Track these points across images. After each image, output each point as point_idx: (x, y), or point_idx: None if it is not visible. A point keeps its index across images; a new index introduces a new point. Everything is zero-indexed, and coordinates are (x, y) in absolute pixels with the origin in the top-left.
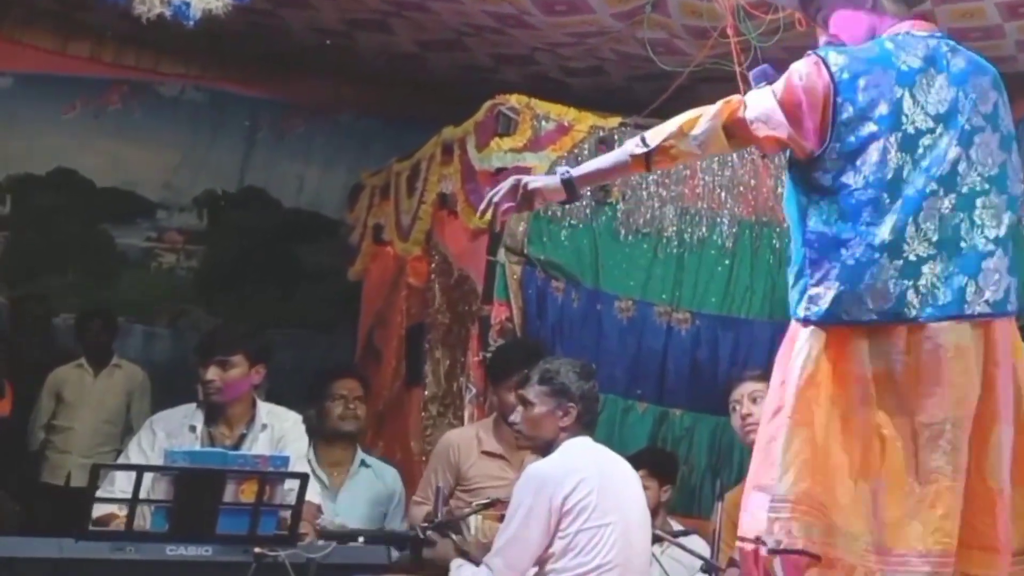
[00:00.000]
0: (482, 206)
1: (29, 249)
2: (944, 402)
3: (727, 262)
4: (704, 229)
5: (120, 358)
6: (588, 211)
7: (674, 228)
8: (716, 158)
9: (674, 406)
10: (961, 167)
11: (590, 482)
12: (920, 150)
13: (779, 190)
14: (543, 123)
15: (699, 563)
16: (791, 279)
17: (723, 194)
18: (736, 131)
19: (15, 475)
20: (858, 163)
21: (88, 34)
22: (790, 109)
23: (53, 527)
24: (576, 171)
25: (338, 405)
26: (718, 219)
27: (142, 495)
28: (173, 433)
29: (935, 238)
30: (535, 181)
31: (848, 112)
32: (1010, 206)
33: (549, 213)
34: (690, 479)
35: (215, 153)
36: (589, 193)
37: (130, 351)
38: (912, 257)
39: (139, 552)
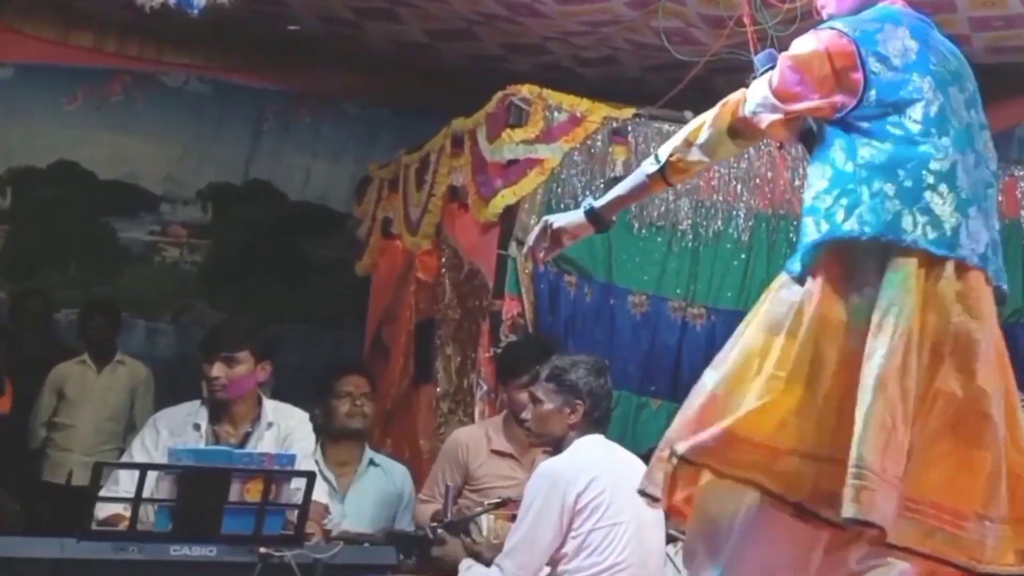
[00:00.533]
0: (525, 252)
1: (30, 243)
2: (991, 367)
3: (743, 256)
4: (720, 222)
5: (123, 354)
6: None
7: (689, 221)
8: None
9: None
10: (973, 129)
11: (603, 480)
12: (948, 94)
13: (796, 182)
14: (555, 114)
15: None
16: (823, 200)
17: (739, 186)
18: (742, 130)
19: (15, 474)
20: (901, 106)
21: (90, 24)
22: (811, 75)
23: (54, 527)
24: (599, 202)
25: (344, 403)
26: (734, 212)
27: (145, 494)
28: (177, 431)
29: (967, 184)
30: (559, 220)
31: (876, 62)
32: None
33: (562, 206)
34: None
35: (220, 145)
36: (603, 186)
37: (133, 347)
38: (964, 195)
39: (142, 552)
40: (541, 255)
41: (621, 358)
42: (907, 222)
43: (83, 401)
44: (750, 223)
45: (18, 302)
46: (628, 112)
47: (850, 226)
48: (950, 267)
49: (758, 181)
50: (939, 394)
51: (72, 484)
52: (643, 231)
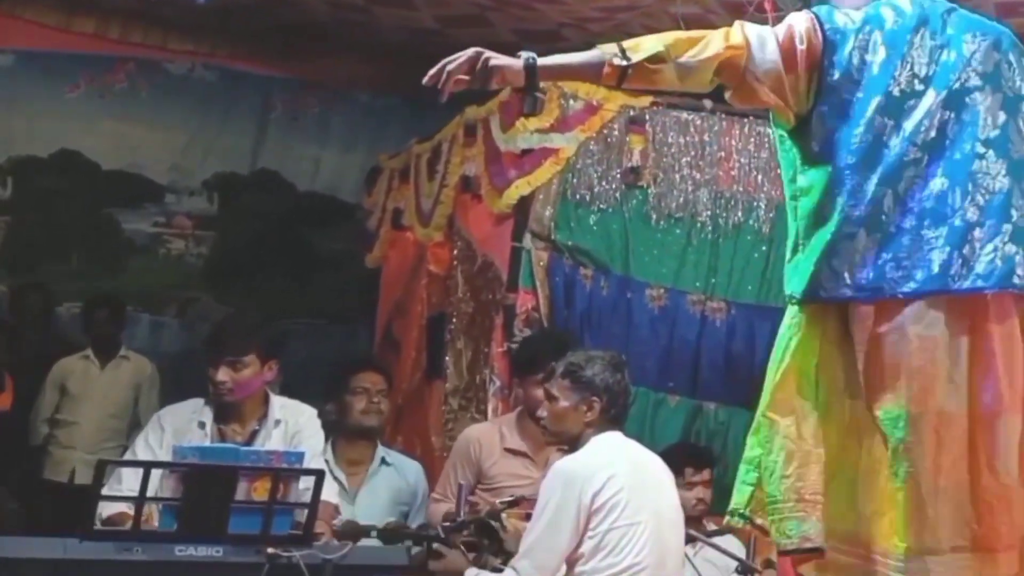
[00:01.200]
0: (431, 71)
1: (31, 235)
2: (904, 393)
3: (764, 248)
4: (740, 213)
5: (127, 349)
6: (618, 195)
7: (708, 212)
8: (753, 139)
9: (708, 399)
10: (951, 130)
11: (620, 478)
12: (904, 113)
13: None
14: (571, 102)
15: (734, 564)
16: (787, 255)
17: (760, 177)
18: (729, 72)
19: (16, 472)
20: (842, 128)
21: (93, 9)
22: (787, 59)
23: (56, 526)
24: (543, 60)
25: (360, 399)
26: (754, 203)
27: (149, 493)
28: (182, 429)
29: (917, 208)
30: (496, 59)
31: (836, 75)
32: (1012, 171)
33: (577, 197)
34: (724, 477)
35: (226, 134)
36: (619, 176)
37: (137, 342)
38: (892, 229)
39: (146, 553)
40: (455, 80)
41: (638, 353)
42: (826, 276)
43: (86, 397)
44: (771, 214)
45: (19, 296)
46: (646, 100)
47: (788, 289)
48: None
49: (779, 171)
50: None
51: (75, 483)
52: (661, 222)
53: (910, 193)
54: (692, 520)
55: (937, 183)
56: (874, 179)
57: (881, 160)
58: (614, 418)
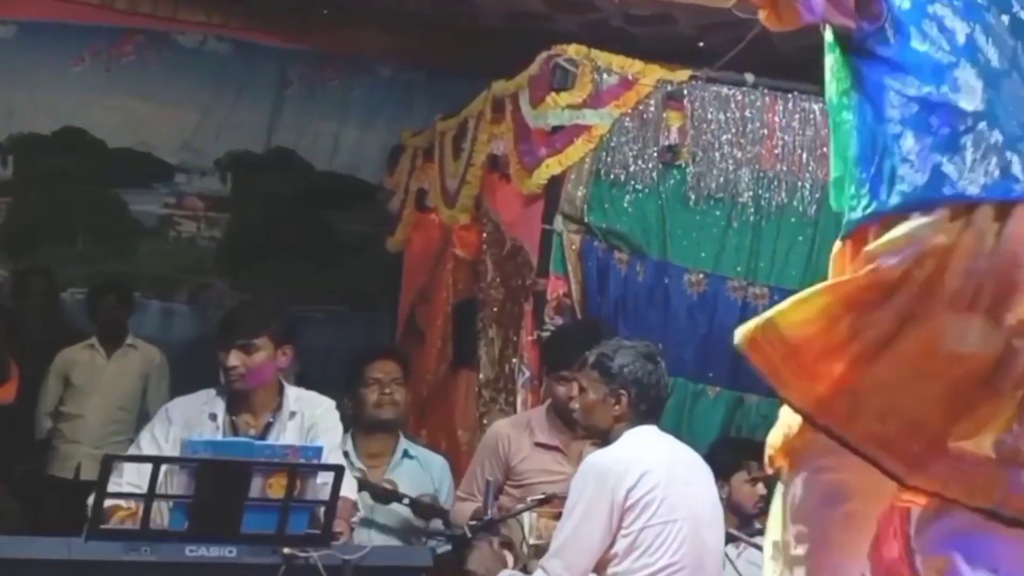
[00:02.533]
0: None
1: (33, 217)
2: None
3: (809, 231)
4: (783, 194)
5: (135, 337)
6: (655, 175)
7: (750, 193)
8: (798, 116)
9: (749, 391)
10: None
11: (655, 475)
12: (985, 22)
13: None
14: (604, 76)
15: None
16: (854, 172)
17: (804, 155)
18: None
19: (19, 468)
20: (924, 31)
21: None
22: None
23: (61, 525)
24: None
25: (373, 391)
26: (799, 183)
27: (159, 489)
28: (191, 421)
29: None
30: None
31: None
32: None
33: (611, 177)
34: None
35: (240, 110)
36: (656, 154)
37: (146, 329)
38: (1014, 129)
39: (155, 553)
40: None
41: (676, 342)
42: (950, 174)
43: (92, 389)
44: (817, 195)
45: (21, 281)
46: (684, 74)
47: (895, 198)
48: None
49: (825, 150)
50: None
51: (80, 479)
52: (700, 204)
53: (1008, 96)
54: (748, 519)
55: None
56: (977, 77)
57: (976, 60)
58: (646, 412)
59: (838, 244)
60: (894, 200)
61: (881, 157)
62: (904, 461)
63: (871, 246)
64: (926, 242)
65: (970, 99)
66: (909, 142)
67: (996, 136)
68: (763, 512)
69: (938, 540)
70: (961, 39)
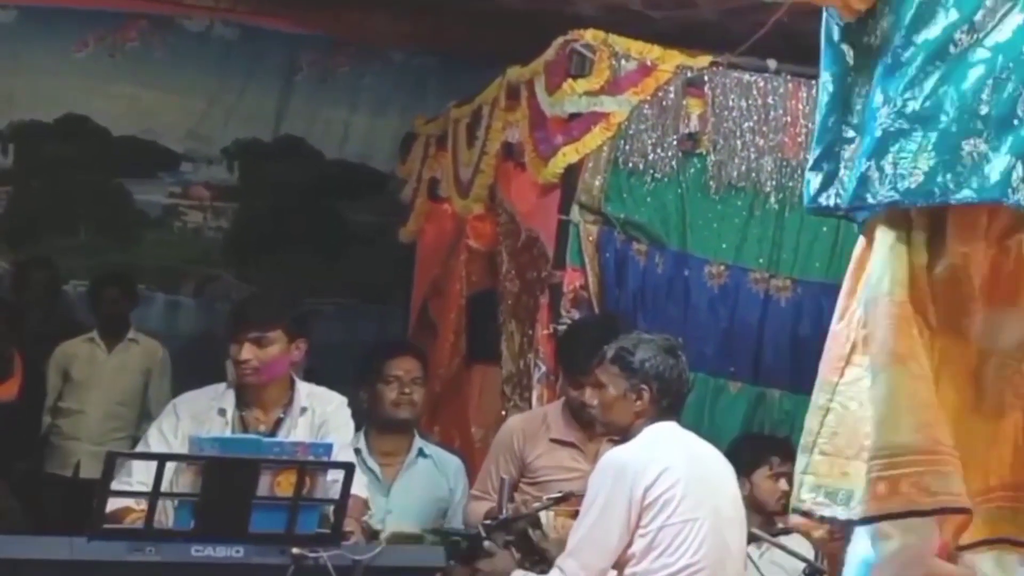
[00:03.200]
0: None
1: (34, 207)
2: None
3: (833, 222)
4: None
5: (137, 331)
6: (674, 163)
7: (773, 182)
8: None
9: (772, 386)
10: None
11: (675, 472)
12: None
13: None
14: (623, 62)
15: (802, 566)
16: (856, 162)
17: None
18: None
19: (21, 465)
20: (913, 18)
21: None
22: None
23: (59, 524)
24: None
25: (391, 389)
26: None
27: (164, 488)
28: (199, 417)
29: (993, 112)
30: None
31: None
32: None
33: (630, 165)
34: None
35: (248, 98)
36: (675, 142)
37: (150, 323)
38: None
39: (160, 553)
40: None
41: (696, 336)
42: (944, 173)
43: (91, 384)
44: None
45: (22, 273)
46: (704, 60)
47: (886, 191)
48: None
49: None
50: None
51: (79, 476)
52: (721, 193)
53: (987, 95)
54: (772, 515)
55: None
56: (965, 73)
57: (965, 56)
58: (668, 407)
59: (861, 241)
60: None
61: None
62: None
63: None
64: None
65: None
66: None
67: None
68: (785, 509)
69: None
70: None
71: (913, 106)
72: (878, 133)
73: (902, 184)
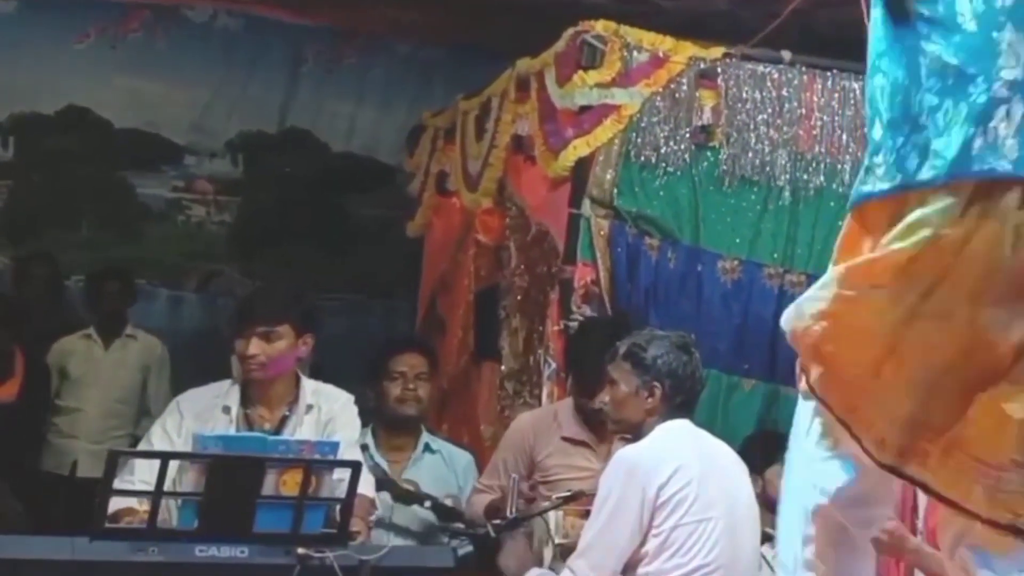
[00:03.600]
0: None
1: (35, 201)
2: None
3: (849, 216)
4: (822, 177)
5: (135, 327)
6: (687, 156)
7: (787, 176)
8: (837, 95)
9: (787, 384)
10: None
11: (688, 471)
12: None
13: None
14: (634, 54)
15: None
16: (889, 140)
17: (844, 136)
18: None
19: (14, 465)
20: None
21: None
22: None
23: (56, 523)
24: None
25: (396, 385)
26: (838, 166)
27: (167, 487)
28: (203, 415)
29: None
30: None
31: None
32: None
33: (642, 159)
34: None
35: (252, 89)
36: (688, 135)
37: (153, 319)
38: None
39: (163, 553)
40: None
41: (709, 332)
42: (980, 147)
43: (89, 381)
44: (856, 178)
45: (23, 268)
46: (717, 51)
47: (927, 172)
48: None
49: (865, 131)
50: None
51: (77, 476)
52: (735, 187)
53: None
54: None
55: None
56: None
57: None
58: (680, 405)
59: (848, 219)
60: (925, 175)
61: (913, 127)
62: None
63: (886, 237)
64: (940, 234)
65: (1012, 66)
66: (944, 112)
67: None
68: None
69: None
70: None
71: None
72: None
73: None
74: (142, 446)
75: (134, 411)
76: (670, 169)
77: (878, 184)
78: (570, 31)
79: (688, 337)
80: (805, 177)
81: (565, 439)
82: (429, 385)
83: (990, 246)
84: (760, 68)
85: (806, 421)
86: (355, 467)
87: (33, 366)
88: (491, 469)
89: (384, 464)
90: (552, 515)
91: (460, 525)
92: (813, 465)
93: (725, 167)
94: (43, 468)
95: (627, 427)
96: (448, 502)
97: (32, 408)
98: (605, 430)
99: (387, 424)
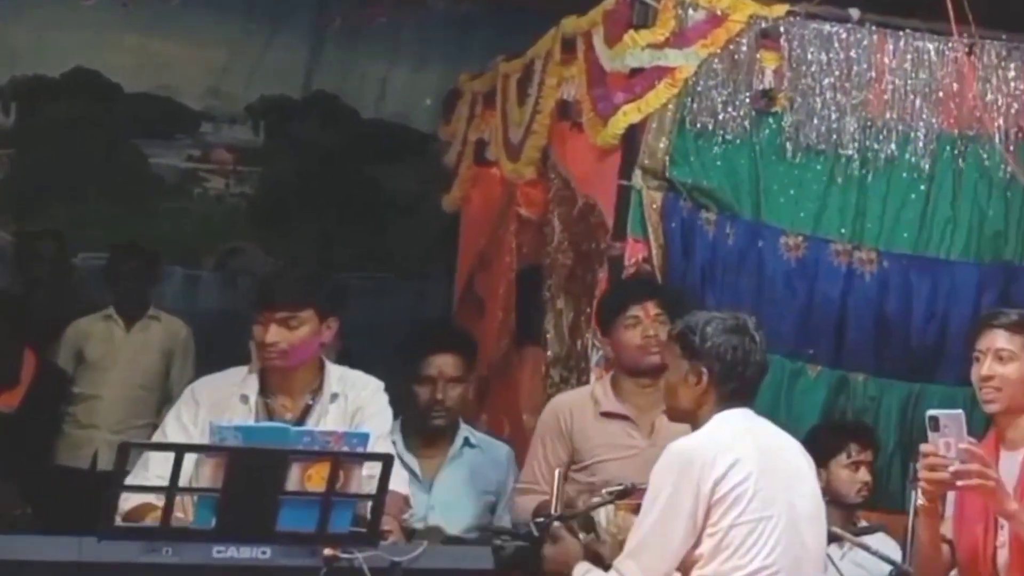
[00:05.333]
0: None
1: (40, 172)
2: None
3: (922, 188)
4: (893, 146)
5: (157, 308)
6: (747, 123)
7: (856, 144)
8: (910, 56)
9: (855, 370)
10: None
11: (747, 464)
12: None
13: (988, 95)
14: (690, 12)
15: (887, 568)
16: None
17: (918, 101)
18: None
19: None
20: None
21: None
22: None
23: (73, 522)
24: None
25: (425, 390)
26: (911, 133)
27: (183, 482)
28: (220, 404)
29: None
30: None
31: None
32: None
33: (698, 126)
34: (875, 462)
35: (275, 50)
36: (748, 100)
37: (168, 299)
38: None
39: (178, 554)
40: None
41: (772, 314)
42: None
43: (109, 366)
44: (931, 147)
45: (28, 245)
46: (780, 9)
47: None
48: None
49: (941, 95)
50: None
51: (97, 469)
52: (799, 157)
53: None
54: (850, 508)
55: None
56: None
57: None
58: (736, 392)
59: None
60: None
61: None
62: None
63: None
64: None
65: None
66: None
67: None
68: (866, 502)
69: None
70: None
71: None
72: None
73: None
74: (156, 438)
75: (156, 398)
76: (728, 137)
77: None
78: None
79: (745, 318)
80: (875, 146)
81: (604, 414)
82: (462, 387)
83: None
84: (826, 27)
85: None
86: (387, 460)
87: (44, 371)
88: (529, 464)
89: (415, 465)
90: (602, 511)
91: (502, 521)
92: None
93: (788, 135)
94: (60, 462)
95: (681, 416)
96: (489, 499)
97: (36, 416)
98: (647, 400)
99: (416, 430)
